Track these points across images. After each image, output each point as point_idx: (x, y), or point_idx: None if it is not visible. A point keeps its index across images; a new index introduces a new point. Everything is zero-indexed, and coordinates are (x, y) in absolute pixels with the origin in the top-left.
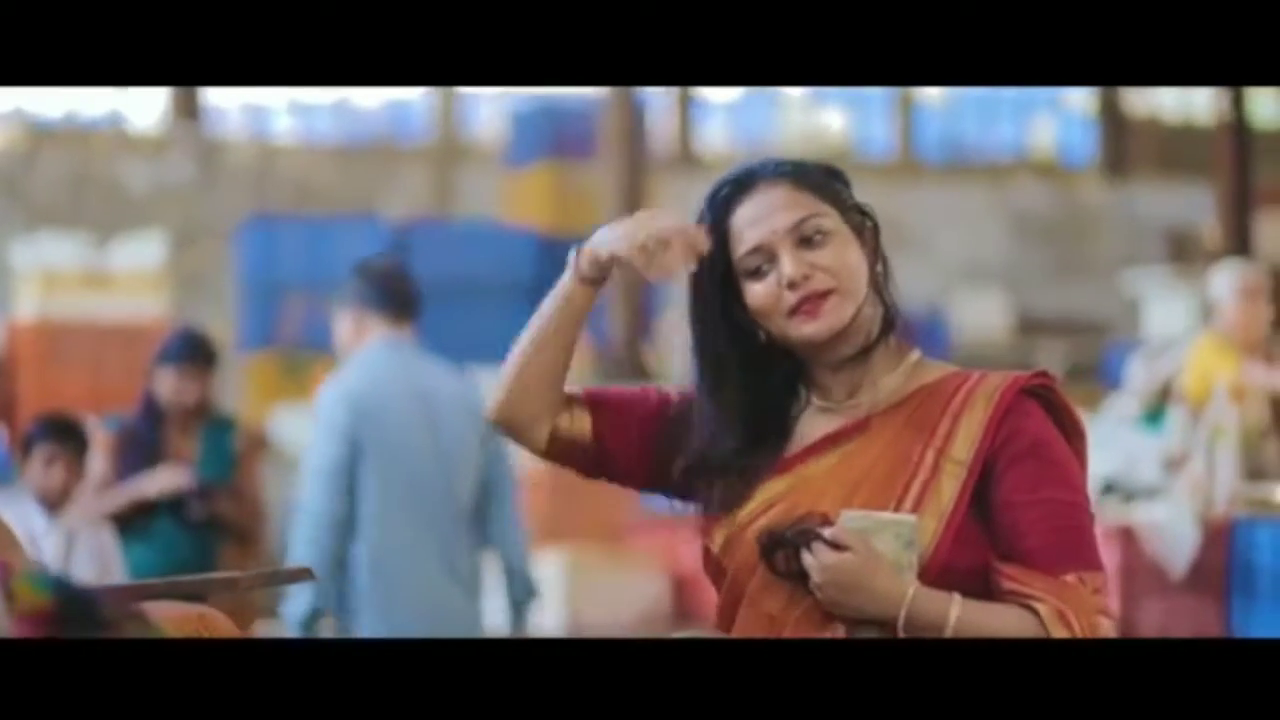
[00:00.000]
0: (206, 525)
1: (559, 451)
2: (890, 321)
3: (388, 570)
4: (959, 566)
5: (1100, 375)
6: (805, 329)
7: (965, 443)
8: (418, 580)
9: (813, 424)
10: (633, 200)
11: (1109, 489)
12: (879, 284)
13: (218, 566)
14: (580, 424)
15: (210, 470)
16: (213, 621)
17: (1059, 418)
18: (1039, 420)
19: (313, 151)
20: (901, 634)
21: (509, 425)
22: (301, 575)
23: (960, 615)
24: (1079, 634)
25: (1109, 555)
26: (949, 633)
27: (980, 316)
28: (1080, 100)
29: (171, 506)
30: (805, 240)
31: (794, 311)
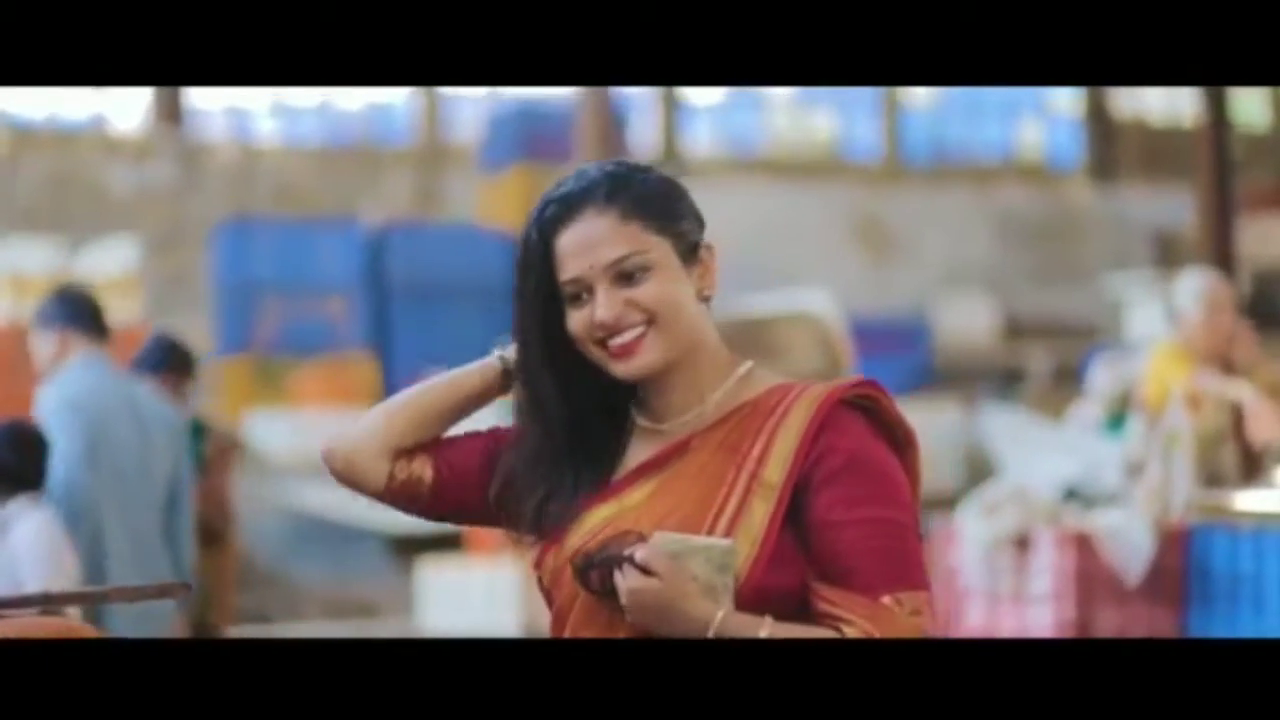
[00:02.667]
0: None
1: (396, 493)
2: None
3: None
4: (775, 588)
5: (1085, 379)
6: (618, 368)
7: (777, 463)
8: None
9: (639, 447)
10: None
11: (1071, 495)
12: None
13: (209, 570)
14: (420, 466)
15: None
16: (79, 634)
17: (886, 430)
18: (858, 433)
19: (295, 154)
20: None
21: (349, 462)
22: (172, 590)
23: (769, 637)
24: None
25: (1066, 560)
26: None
27: (966, 320)
28: (1067, 103)
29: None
30: (625, 276)
31: (608, 349)
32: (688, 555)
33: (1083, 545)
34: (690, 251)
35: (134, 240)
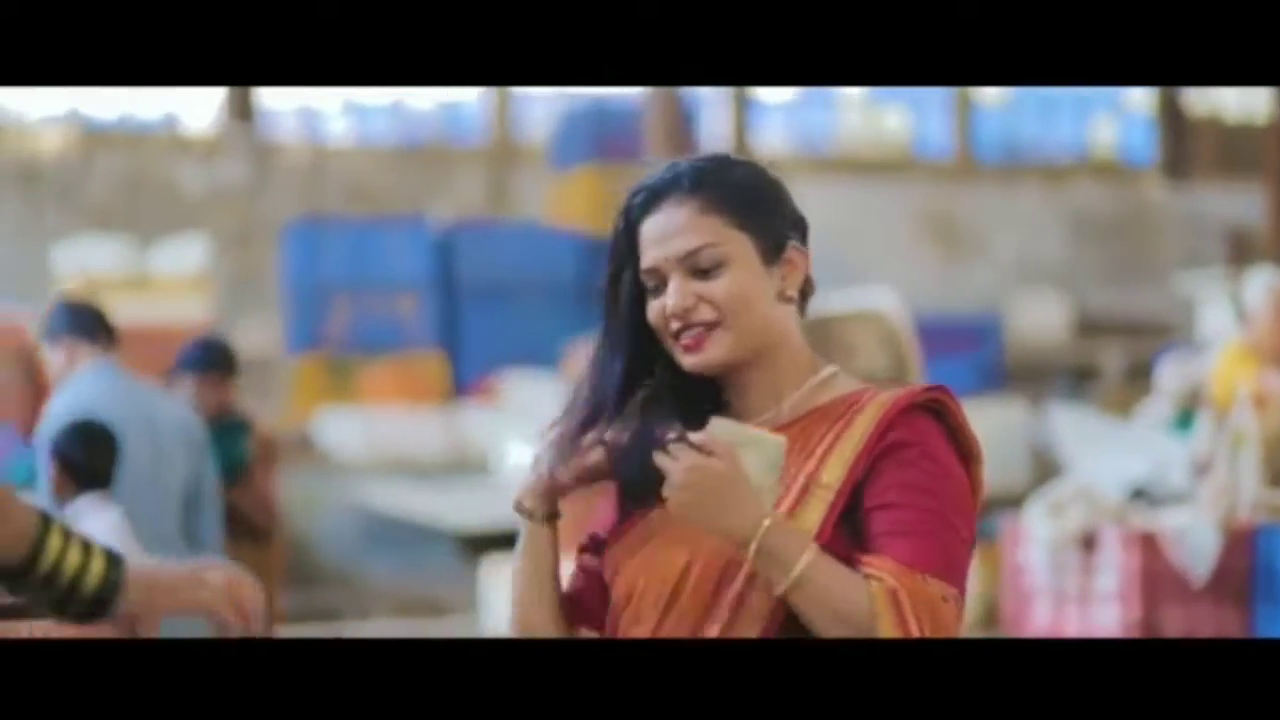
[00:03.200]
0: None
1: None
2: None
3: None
4: None
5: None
6: (686, 360)
7: (837, 464)
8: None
9: None
10: None
11: (1138, 494)
12: (801, 300)
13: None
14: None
15: (220, 472)
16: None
17: (953, 436)
18: (926, 431)
19: (367, 153)
20: (750, 561)
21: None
22: None
23: (810, 563)
24: (909, 620)
25: (1132, 559)
26: (789, 580)
27: (1038, 318)
28: (1140, 100)
29: None
30: (698, 270)
31: (678, 341)
32: (743, 446)
33: (1149, 545)
34: (775, 250)
35: (205, 239)
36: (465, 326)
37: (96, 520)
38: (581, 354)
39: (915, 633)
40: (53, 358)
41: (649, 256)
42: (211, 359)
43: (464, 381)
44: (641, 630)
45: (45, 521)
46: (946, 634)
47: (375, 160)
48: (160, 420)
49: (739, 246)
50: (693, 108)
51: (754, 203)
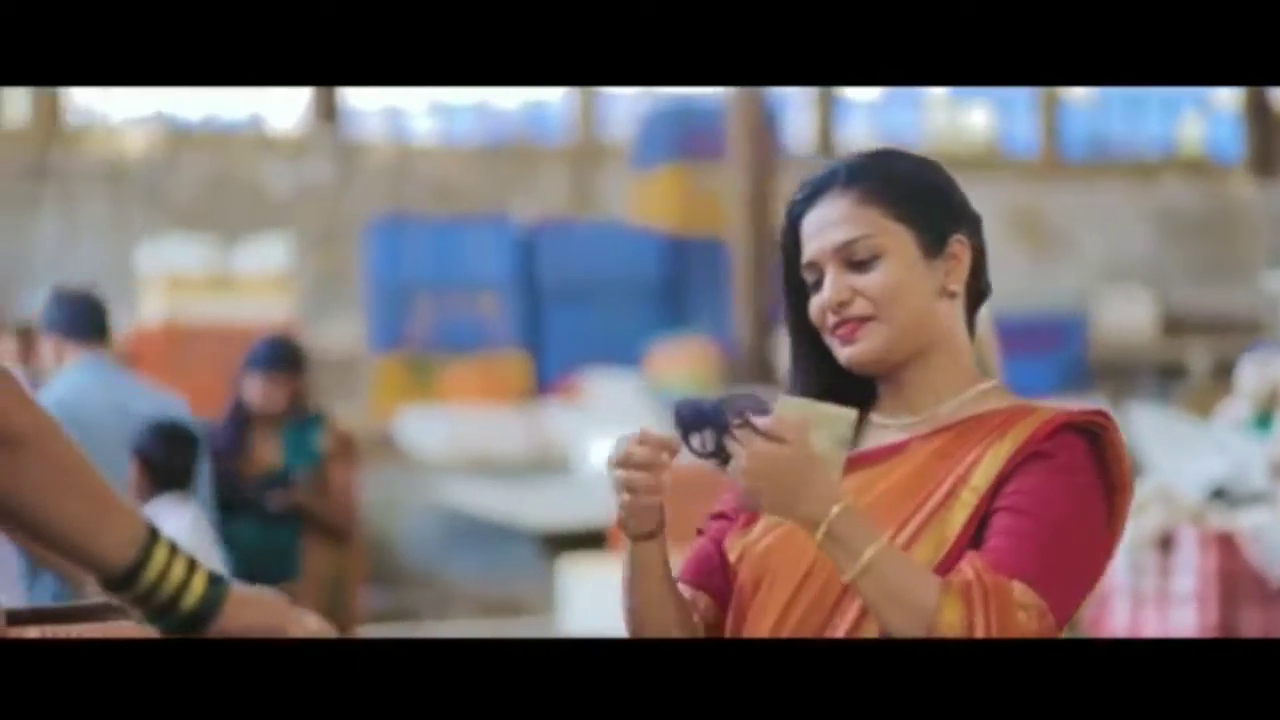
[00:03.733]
0: (291, 522)
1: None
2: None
3: None
4: None
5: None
6: (842, 353)
7: (987, 471)
8: None
9: (862, 439)
10: (760, 201)
11: (1217, 494)
12: (973, 301)
13: (302, 564)
14: (702, 609)
15: (291, 472)
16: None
17: (1104, 463)
18: (1076, 451)
19: (451, 152)
20: (818, 542)
21: None
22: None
23: (879, 552)
24: (976, 616)
25: (1209, 560)
26: (856, 568)
27: (1125, 316)
28: (1228, 97)
29: (255, 503)
30: (853, 262)
31: (834, 333)
32: (814, 423)
33: (1226, 545)
34: (936, 243)
35: (288, 239)
36: (547, 325)
37: (174, 519)
38: (666, 352)
39: (980, 630)
40: (45, 351)
41: (807, 250)
42: (278, 357)
43: (545, 380)
44: (768, 620)
45: (153, 533)
46: (1018, 630)
47: (460, 159)
48: (141, 416)
49: (897, 239)
50: (776, 107)
51: (914, 195)
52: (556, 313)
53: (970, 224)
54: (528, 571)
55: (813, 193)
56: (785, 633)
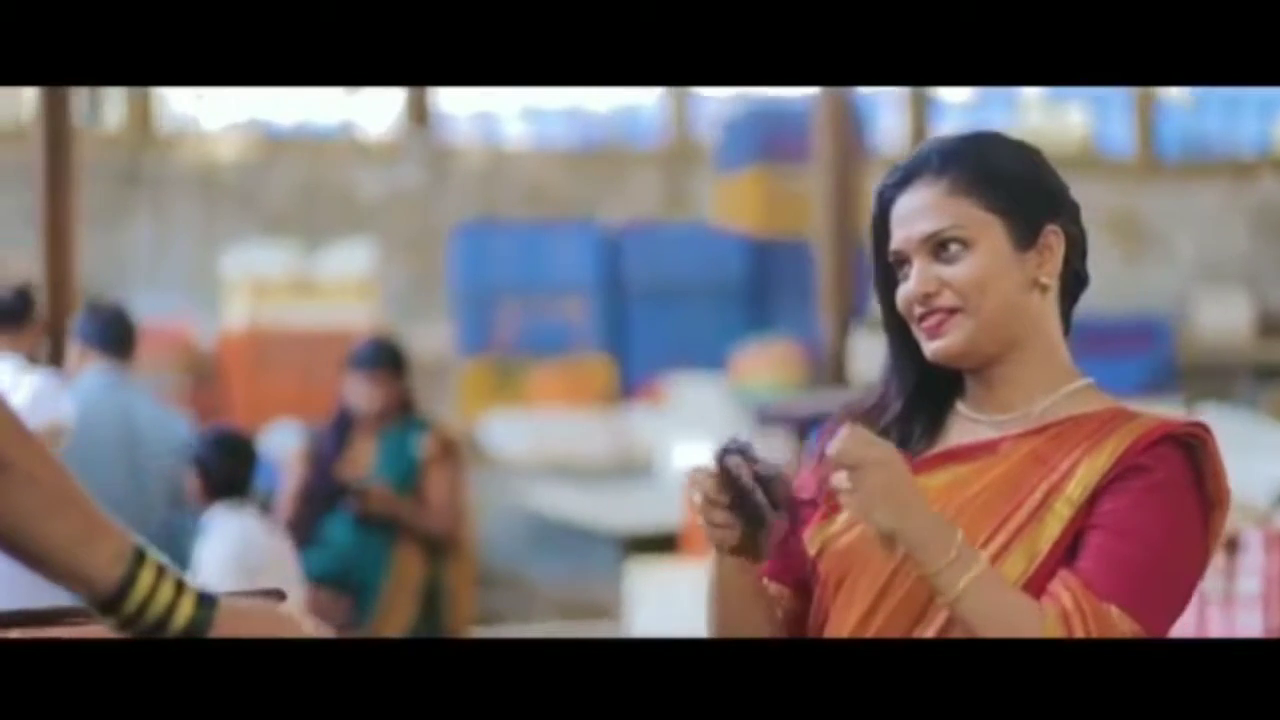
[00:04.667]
0: (384, 526)
1: (792, 627)
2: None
3: None
4: None
5: None
6: (928, 347)
7: (1084, 479)
8: None
9: (952, 432)
10: (845, 203)
11: None
12: (1069, 294)
13: (392, 570)
14: (784, 603)
15: (386, 476)
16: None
17: (1201, 477)
18: (1174, 465)
19: (543, 156)
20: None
21: None
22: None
23: (977, 577)
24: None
25: (1274, 562)
26: (954, 593)
27: (1222, 317)
28: None
29: (342, 509)
30: (940, 252)
31: (920, 325)
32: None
33: None
34: (1029, 234)
35: (373, 243)
36: (632, 329)
37: (231, 526)
38: (750, 355)
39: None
40: (69, 356)
41: (895, 239)
42: (378, 357)
43: (630, 384)
44: (850, 619)
45: (140, 554)
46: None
47: (552, 163)
48: (143, 427)
49: (986, 230)
50: (864, 108)
51: (1007, 184)
52: (641, 316)
53: (1067, 212)
54: (609, 575)
55: (904, 178)
56: (871, 634)
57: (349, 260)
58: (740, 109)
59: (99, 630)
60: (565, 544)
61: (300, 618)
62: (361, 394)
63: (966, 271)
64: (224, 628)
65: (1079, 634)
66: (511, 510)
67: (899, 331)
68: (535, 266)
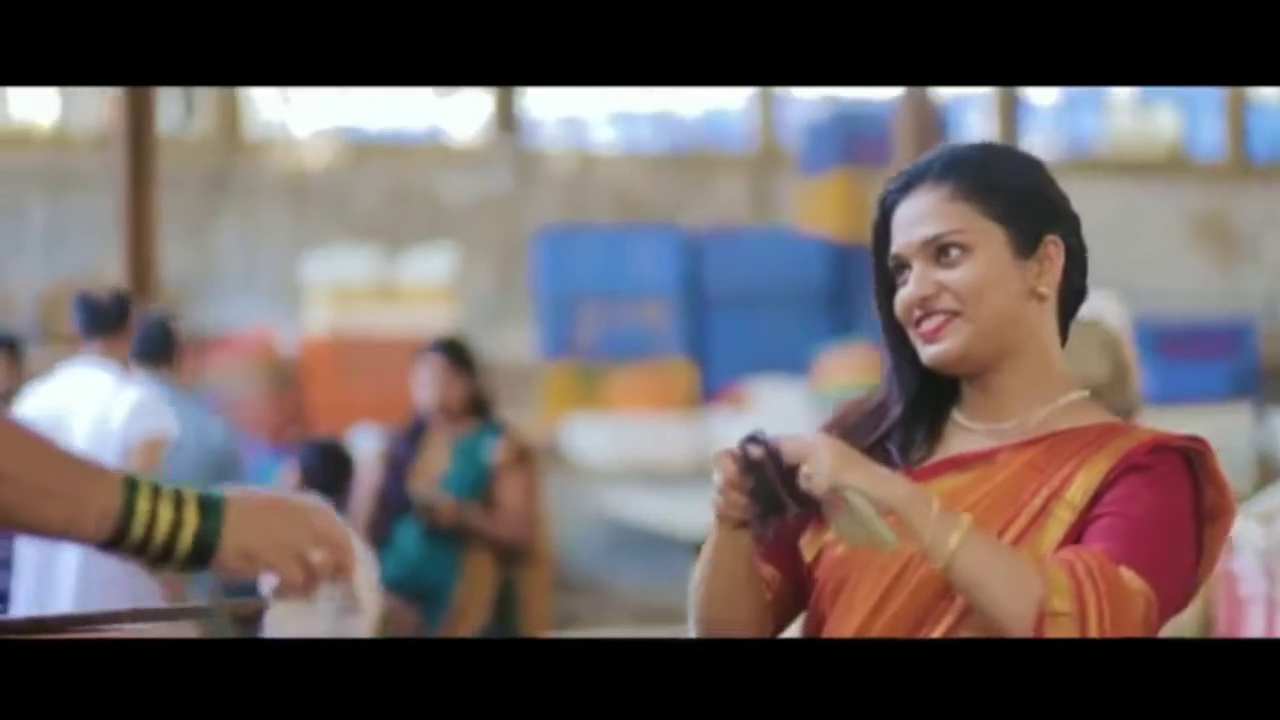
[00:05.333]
0: (450, 537)
1: (781, 624)
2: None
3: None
4: None
5: None
6: (925, 352)
7: (1083, 487)
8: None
9: (948, 441)
10: None
11: None
12: (1066, 307)
13: (462, 578)
14: (770, 581)
15: (457, 482)
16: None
17: (1199, 486)
18: (1171, 467)
19: (631, 161)
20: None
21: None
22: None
23: (967, 533)
24: (1087, 599)
25: None
26: (947, 554)
27: None
28: None
29: (412, 518)
30: (939, 256)
31: (918, 330)
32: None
33: None
34: (1029, 243)
35: (456, 248)
36: (713, 333)
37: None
38: (832, 359)
39: (1092, 613)
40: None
41: (895, 243)
42: (442, 351)
43: (712, 388)
44: (851, 623)
45: (131, 487)
46: (1130, 632)
47: (639, 168)
48: (183, 436)
49: (987, 236)
50: (949, 111)
51: (1009, 192)
52: (723, 320)
53: (1068, 224)
54: (688, 580)
55: (906, 184)
56: (879, 624)
57: (431, 265)
58: (822, 112)
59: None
60: (644, 549)
61: (312, 503)
62: (424, 388)
63: (966, 276)
64: (236, 529)
65: (1086, 588)
66: (591, 515)
67: (898, 338)
68: (617, 271)
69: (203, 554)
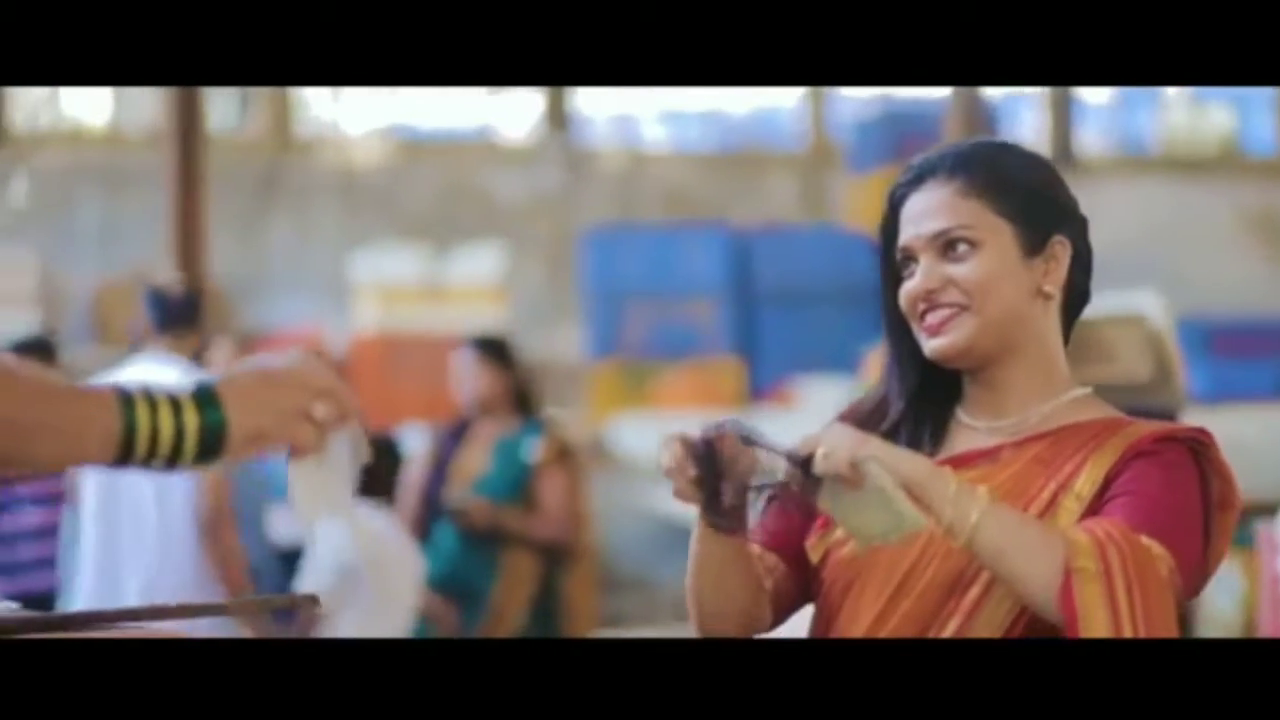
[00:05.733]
0: (487, 537)
1: (784, 607)
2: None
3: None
4: None
5: None
6: (929, 345)
7: (1090, 479)
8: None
9: (953, 439)
10: None
11: None
12: (1069, 310)
13: (500, 577)
14: (771, 574)
15: (496, 481)
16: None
17: (1206, 477)
18: (1177, 456)
19: (682, 159)
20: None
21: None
22: (302, 603)
23: (989, 508)
24: (1111, 558)
25: None
26: (968, 529)
27: None
28: None
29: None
30: (948, 250)
31: (922, 323)
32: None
33: None
34: (1037, 242)
35: (509, 247)
36: (761, 331)
37: (365, 521)
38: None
39: (1117, 570)
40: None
41: (904, 235)
42: (479, 346)
43: (760, 387)
44: (860, 625)
45: (127, 404)
46: (1156, 591)
47: (690, 166)
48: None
49: (996, 233)
50: (1004, 107)
51: (1019, 190)
52: (771, 319)
53: (1075, 226)
54: None
55: (916, 178)
56: (887, 627)
57: (479, 264)
58: (870, 110)
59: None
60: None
61: (296, 359)
62: (462, 385)
63: (973, 270)
64: (238, 415)
65: (1109, 546)
66: (639, 514)
67: (901, 333)
68: (665, 269)
69: (211, 449)
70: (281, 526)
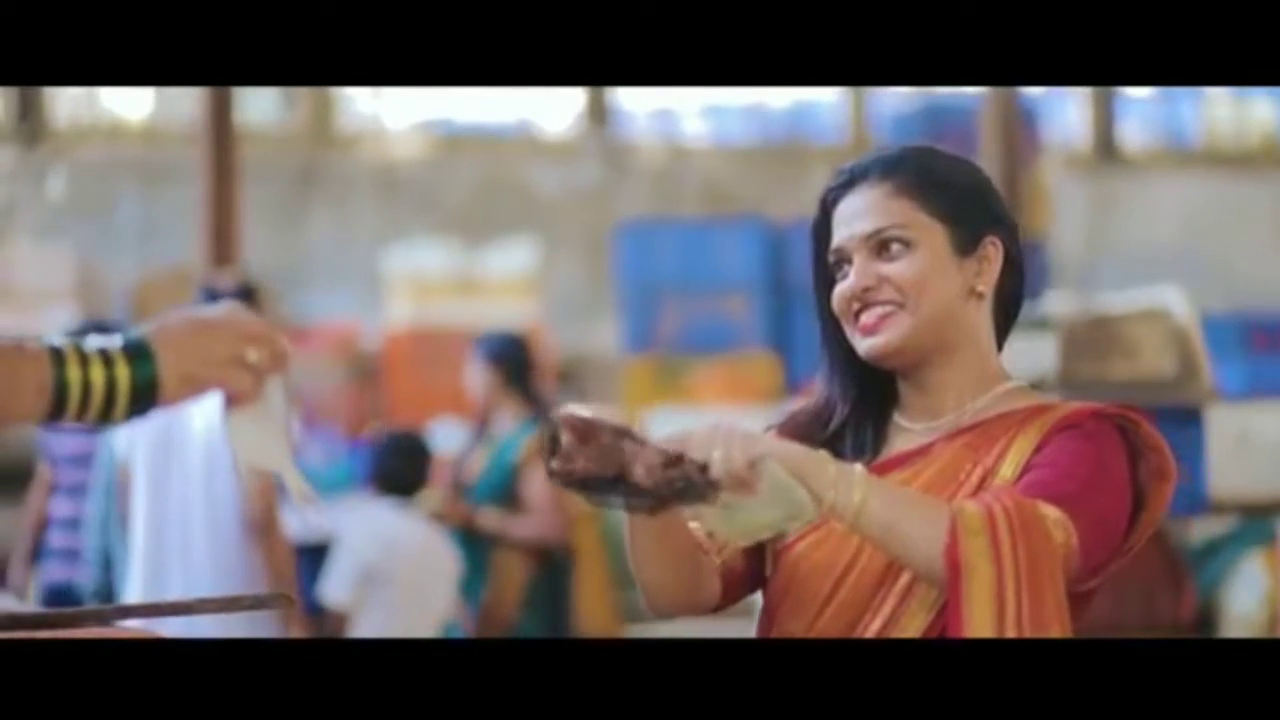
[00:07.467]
0: (477, 537)
1: (734, 589)
2: (990, 345)
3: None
4: None
5: None
6: (863, 345)
7: (1014, 462)
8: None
9: (891, 442)
10: (1011, 200)
11: None
12: (1005, 310)
13: (489, 578)
14: (726, 552)
15: (486, 481)
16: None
17: (1144, 453)
18: (1105, 435)
19: (721, 153)
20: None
21: (673, 614)
22: (270, 602)
23: (869, 487)
24: (999, 523)
25: None
26: (852, 510)
27: None
28: None
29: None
30: (881, 250)
31: (856, 323)
32: (775, 488)
33: None
34: (969, 242)
35: (547, 241)
36: (795, 326)
37: (391, 519)
38: None
39: (1004, 534)
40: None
41: (837, 237)
42: (482, 348)
43: (794, 382)
44: (799, 624)
45: (58, 359)
46: (1044, 551)
47: (730, 160)
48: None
49: (928, 233)
50: (1045, 103)
51: (950, 192)
52: (805, 314)
53: (1006, 229)
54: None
55: (848, 181)
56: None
57: (513, 258)
58: (903, 106)
59: (103, 633)
60: None
61: (227, 308)
62: (475, 388)
63: (907, 269)
64: (170, 363)
65: (996, 510)
66: None
67: (836, 336)
68: (700, 263)
69: (145, 399)
70: (297, 524)
